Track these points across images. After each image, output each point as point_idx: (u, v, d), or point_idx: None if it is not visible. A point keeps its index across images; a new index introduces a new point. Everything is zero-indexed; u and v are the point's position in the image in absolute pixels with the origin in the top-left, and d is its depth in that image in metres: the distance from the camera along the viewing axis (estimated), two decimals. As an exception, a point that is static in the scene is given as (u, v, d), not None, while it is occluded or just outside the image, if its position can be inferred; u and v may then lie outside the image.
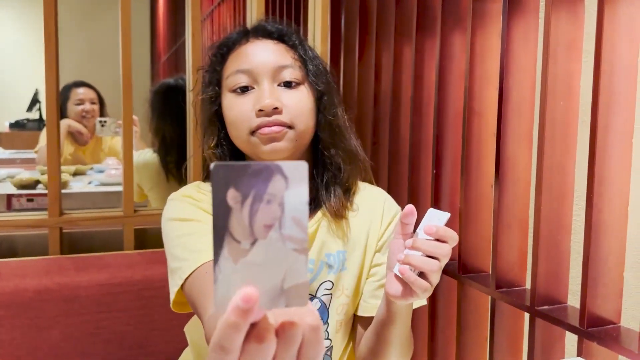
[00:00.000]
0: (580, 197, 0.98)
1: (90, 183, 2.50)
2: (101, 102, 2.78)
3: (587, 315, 0.90)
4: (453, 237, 0.74)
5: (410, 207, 0.75)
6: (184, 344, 1.09)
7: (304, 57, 0.89)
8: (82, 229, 1.61)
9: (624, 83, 0.91)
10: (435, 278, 0.73)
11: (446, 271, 1.21)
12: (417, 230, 0.76)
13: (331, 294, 0.90)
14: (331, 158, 0.91)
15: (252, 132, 0.85)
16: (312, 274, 0.89)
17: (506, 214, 1.09)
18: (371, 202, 0.96)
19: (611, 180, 0.91)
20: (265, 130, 0.83)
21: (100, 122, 2.46)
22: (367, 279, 0.93)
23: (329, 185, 0.91)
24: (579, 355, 0.91)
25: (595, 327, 0.90)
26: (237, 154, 0.92)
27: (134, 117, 2.46)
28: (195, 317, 1.01)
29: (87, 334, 1.29)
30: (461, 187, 1.19)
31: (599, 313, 0.91)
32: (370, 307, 0.92)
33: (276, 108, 0.83)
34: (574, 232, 1.02)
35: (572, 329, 0.93)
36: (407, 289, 0.74)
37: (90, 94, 2.74)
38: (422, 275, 0.73)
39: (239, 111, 0.85)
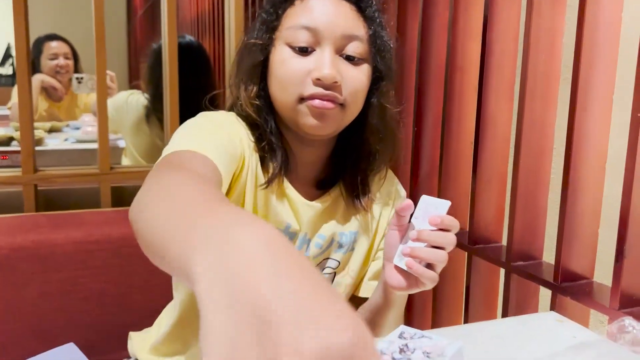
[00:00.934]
0: (560, 153, 0.98)
1: (66, 140, 2.46)
2: (75, 57, 2.69)
3: (562, 270, 0.91)
4: (456, 225, 0.72)
5: (408, 202, 0.74)
6: (162, 301, 1.09)
7: (376, 33, 0.79)
8: (58, 186, 1.58)
9: (607, 38, 0.89)
10: (441, 267, 0.73)
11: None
12: (412, 219, 0.75)
13: (335, 272, 0.88)
14: (370, 145, 0.84)
15: (301, 99, 0.76)
16: (320, 249, 0.86)
17: (485, 171, 1.09)
18: (385, 186, 0.92)
19: (590, 137, 0.91)
20: (317, 103, 0.75)
21: (77, 78, 2.39)
22: (371, 261, 0.92)
23: (357, 168, 0.86)
24: (552, 309, 0.93)
25: (569, 282, 0.92)
26: (272, 109, 0.82)
27: (111, 73, 2.41)
28: None
29: (64, 292, 1.28)
30: (441, 143, 1.18)
31: (573, 268, 0.93)
32: (369, 288, 0.90)
33: (336, 82, 0.75)
34: (551, 189, 1.03)
35: (546, 284, 0.94)
36: (412, 280, 0.74)
37: (64, 48, 2.65)
38: (428, 265, 0.72)
39: (292, 72, 0.76)
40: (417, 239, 0.72)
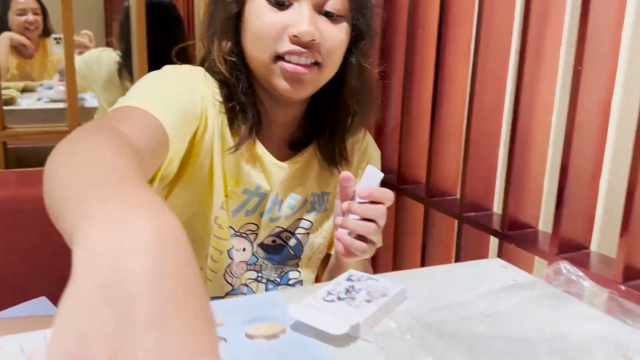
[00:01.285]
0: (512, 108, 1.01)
1: (39, 100, 2.44)
2: (44, 12, 2.65)
3: (508, 220, 0.96)
4: (388, 197, 0.73)
5: (346, 174, 0.74)
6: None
7: None
8: (28, 144, 1.59)
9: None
10: (375, 238, 0.73)
11: (384, 184, 1.25)
12: (356, 188, 0.76)
13: (308, 232, 0.88)
14: (349, 106, 0.82)
15: (276, 57, 0.74)
16: (293, 210, 0.85)
17: (443, 126, 1.12)
18: (362, 147, 0.91)
19: (539, 91, 0.94)
20: (290, 68, 0.73)
21: (56, 39, 2.37)
22: None
23: (334, 130, 0.84)
24: (499, 256, 0.98)
25: (515, 231, 0.96)
26: (246, 66, 0.79)
27: (89, 32, 2.39)
28: None
29: (35, 247, 1.30)
30: (403, 99, 1.21)
31: (520, 218, 0.97)
32: None
33: (314, 40, 0.72)
34: (503, 142, 1.06)
35: (494, 233, 0.99)
36: (349, 250, 0.75)
37: (32, 4, 2.60)
38: (362, 236, 0.73)
39: (268, 26, 0.72)
40: (349, 211, 0.73)
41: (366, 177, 0.75)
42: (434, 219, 1.14)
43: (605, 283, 0.78)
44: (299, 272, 0.90)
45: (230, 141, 0.78)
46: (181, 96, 0.72)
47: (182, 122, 0.70)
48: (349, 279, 0.75)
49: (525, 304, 0.75)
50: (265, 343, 0.61)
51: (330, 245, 0.93)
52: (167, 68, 0.78)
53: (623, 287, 0.75)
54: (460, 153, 1.14)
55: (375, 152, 0.94)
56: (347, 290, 0.72)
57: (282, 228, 0.87)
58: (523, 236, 0.95)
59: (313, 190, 0.87)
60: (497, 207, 1.07)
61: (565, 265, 0.80)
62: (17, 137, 1.50)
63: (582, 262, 0.84)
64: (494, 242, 1.06)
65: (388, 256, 1.30)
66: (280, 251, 0.88)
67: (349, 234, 0.74)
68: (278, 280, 0.89)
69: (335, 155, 0.85)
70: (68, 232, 0.33)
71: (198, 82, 0.78)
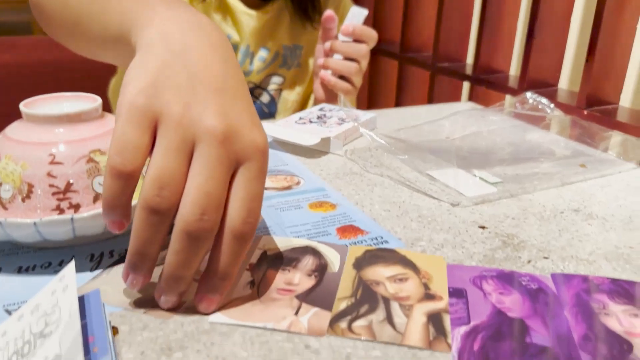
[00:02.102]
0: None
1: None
2: None
3: (480, 65, 0.96)
4: (372, 36, 0.71)
5: (329, 13, 0.71)
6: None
7: None
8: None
9: None
10: (356, 79, 0.73)
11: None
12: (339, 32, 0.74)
13: (281, 88, 0.87)
14: None
15: None
16: (264, 63, 0.84)
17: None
18: (334, 1, 0.89)
19: None
20: None
21: None
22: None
23: None
24: (470, 100, 0.99)
25: (486, 75, 0.97)
26: None
27: None
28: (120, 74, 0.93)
29: (1, 115, 1.28)
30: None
31: (492, 65, 0.97)
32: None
33: None
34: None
35: (465, 78, 0.99)
36: (331, 93, 0.74)
37: None
38: (345, 77, 0.72)
39: None
40: (331, 50, 0.72)
41: (349, 17, 0.73)
42: (408, 73, 1.14)
43: (570, 111, 0.80)
44: None
45: None
46: None
47: None
48: (321, 109, 0.75)
49: (492, 130, 0.77)
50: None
51: (305, 102, 0.93)
52: None
53: (585, 112, 0.77)
54: (435, 10, 1.12)
55: (349, 4, 0.91)
56: (319, 117, 0.72)
57: (254, 84, 0.86)
58: (494, 79, 0.95)
59: (284, 43, 0.85)
60: (470, 59, 1.07)
61: (531, 95, 0.81)
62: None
63: (549, 96, 0.85)
64: (466, 92, 1.07)
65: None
66: None
67: (332, 74, 0.74)
68: None
69: (307, 7, 0.82)
70: (121, 27, 0.37)
71: None
